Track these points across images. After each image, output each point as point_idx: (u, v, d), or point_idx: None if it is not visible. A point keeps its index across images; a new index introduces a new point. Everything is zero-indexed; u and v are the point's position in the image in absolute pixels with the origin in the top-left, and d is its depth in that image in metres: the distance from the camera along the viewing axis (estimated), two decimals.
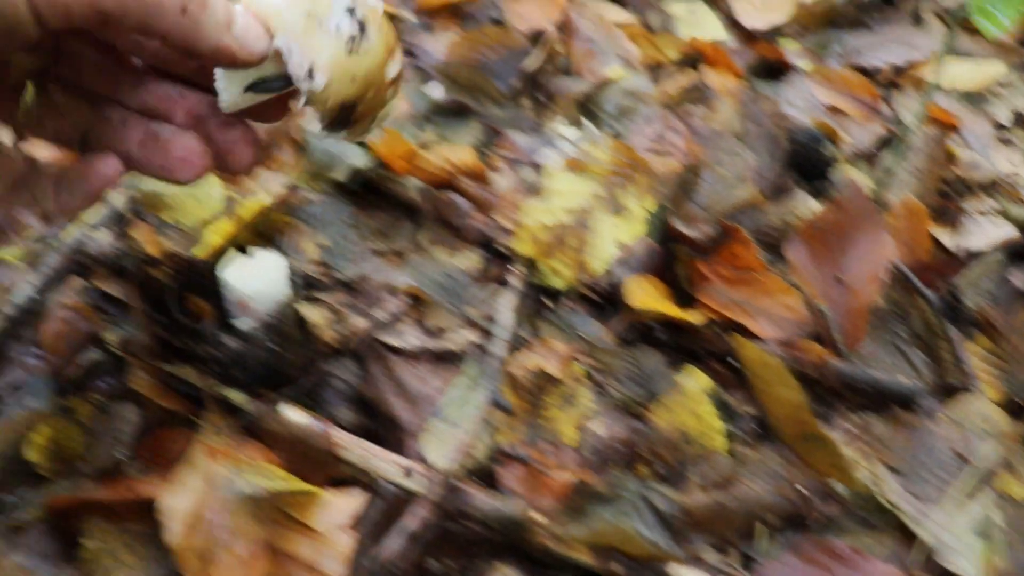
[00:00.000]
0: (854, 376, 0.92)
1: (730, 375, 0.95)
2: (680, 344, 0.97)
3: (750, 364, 0.89)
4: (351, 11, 0.50)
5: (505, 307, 0.95)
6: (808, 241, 0.96)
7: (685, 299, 1.00)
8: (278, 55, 0.49)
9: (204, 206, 1.10)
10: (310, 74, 0.49)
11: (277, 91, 0.52)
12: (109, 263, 0.99)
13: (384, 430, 0.93)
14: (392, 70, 0.52)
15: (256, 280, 0.96)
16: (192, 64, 0.55)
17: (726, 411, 0.91)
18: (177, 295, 0.96)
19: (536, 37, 1.30)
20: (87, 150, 0.54)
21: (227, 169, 0.56)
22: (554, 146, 1.09)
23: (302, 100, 0.51)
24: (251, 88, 0.52)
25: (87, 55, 0.55)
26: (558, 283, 1.00)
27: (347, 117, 0.52)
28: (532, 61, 1.23)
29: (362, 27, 0.50)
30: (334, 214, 1.09)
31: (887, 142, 1.16)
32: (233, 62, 0.48)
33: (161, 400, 0.92)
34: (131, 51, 0.55)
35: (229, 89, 0.52)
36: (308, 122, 1.12)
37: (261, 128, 0.57)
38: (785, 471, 0.86)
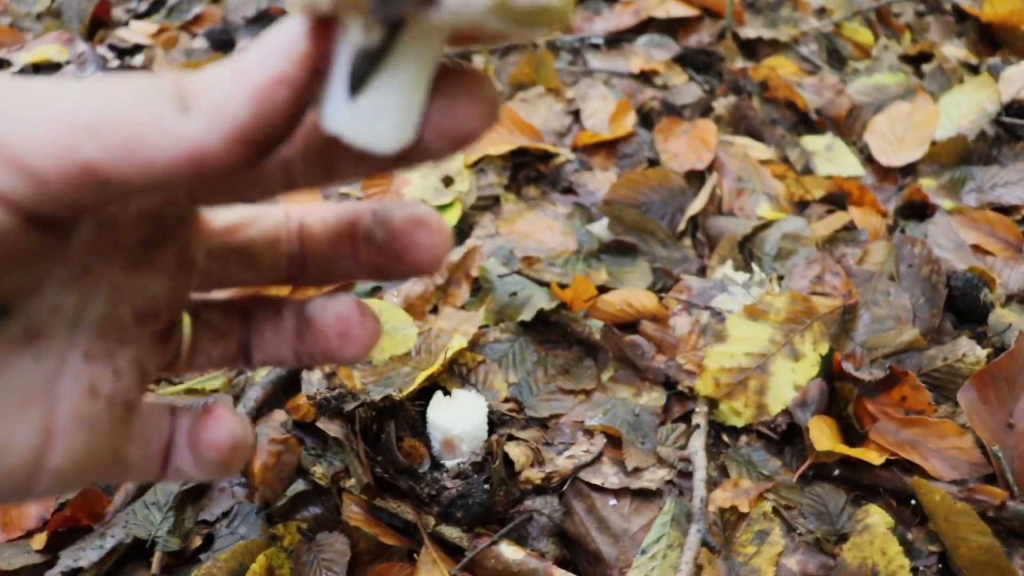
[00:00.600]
0: None
1: (908, 513, 1.01)
2: (857, 481, 1.04)
3: (934, 506, 0.96)
4: None
5: (699, 448, 1.03)
6: (979, 387, 1.03)
7: (854, 436, 1.07)
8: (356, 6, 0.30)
9: (398, 343, 1.20)
10: None
11: (398, 49, 0.31)
12: (319, 401, 1.07)
13: (587, 564, 1.00)
14: None
15: (461, 420, 1.04)
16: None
17: (909, 549, 0.97)
18: (395, 436, 1.05)
19: (690, 176, 1.40)
20: (250, 362, 0.49)
21: (412, 267, 0.44)
22: (728, 291, 1.18)
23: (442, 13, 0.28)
24: (356, 81, 0.32)
25: (223, 265, 0.48)
26: (737, 422, 1.08)
27: None
28: (696, 204, 1.32)
29: None
30: (520, 353, 1.18)
31: None
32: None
33: (376, 534, 1.00)
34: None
35: (340, 114, 0.33)
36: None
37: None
38: None
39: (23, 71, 1.80)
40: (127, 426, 0.42)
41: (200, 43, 1.84)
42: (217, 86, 0.33)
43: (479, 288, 1.27)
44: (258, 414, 1.11)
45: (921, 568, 0.97)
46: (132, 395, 0.42)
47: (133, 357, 0.42)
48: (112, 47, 1.86)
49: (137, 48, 1.85)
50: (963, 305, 1.17)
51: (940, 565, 0.97)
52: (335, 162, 0.39)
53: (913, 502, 1.01)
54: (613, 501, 1.02)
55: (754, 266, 1.23)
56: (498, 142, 1.43)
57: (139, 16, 1.97)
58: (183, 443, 0.45)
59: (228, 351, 0.48)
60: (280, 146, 0.35)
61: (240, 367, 0.50)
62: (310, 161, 0.40)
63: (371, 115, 0.32)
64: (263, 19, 1.84)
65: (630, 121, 1.48)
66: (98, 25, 1.94)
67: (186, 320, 0.47)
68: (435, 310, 1.26)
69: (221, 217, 0.46)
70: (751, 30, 1.69)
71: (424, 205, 0.44)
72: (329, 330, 0.46)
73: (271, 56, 0.33)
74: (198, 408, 0.46)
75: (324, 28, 0.33)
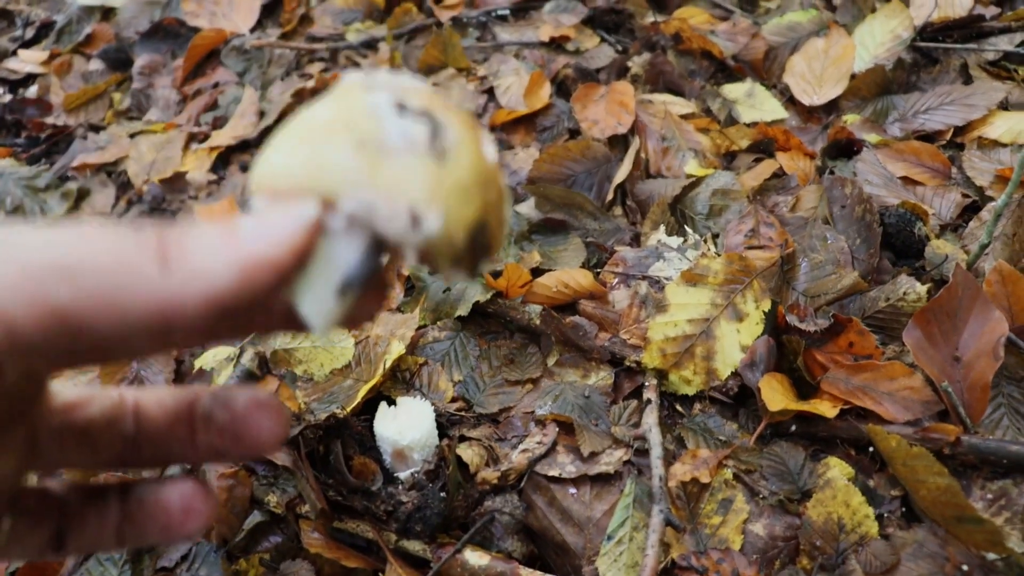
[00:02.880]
0: (988, 449, 0.97)
1: (867, 460, 1.01)
2: (814, 435, 1.03)
3: (891, 452, 0.95)
4: (401, 108, 0.37)
5: (652, 424, 1.01)
6: (923, 325, 1.02)
7: (806, 388, 1.06)
8: (353, 223, 0.36)
9: (336, 356, 1.16)
10: (414, 220, 0.36)
11: (377, 271, 0.37)
12: None
13: (554, 557, 0.99)
14: (490, 150, 0.39)
15: (409, 429, 1.01)
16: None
17: (872, 497, 0.97)
18: (343, 455, 1.02)
19: (613, 141, 1.37)
20: (63, 550, 0.46)
21: (251, 449, 0.45)
22: (663, 258, 1.15)
23: (411, 257, 0.37)
24: (344, 289, 0.37)
25: (60, 446, 0.45)
26: (689, 391, 1.06)
27: (483, 242, 0.39)
28: (622, 171, 1.30)
29: (430, 119, 0.37)
30: (462, 349, 1.15)
31: (968, 209, 1.22)
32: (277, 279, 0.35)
33: (339, 558, 0.97)
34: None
35: (316, 307, 0.37)
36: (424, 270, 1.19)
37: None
38: (943, 550, 0.91)
39: None
40: None
41: (96, 65, 1.76)
42: (207, 250, 0.33)
43: (412, 287, 1.24)
44: None
45: (885, 515, 0.96)
46: None
47: None
48: (2, 80, 1.78)
49: (30, 78, 1.77)
50: (899, 242, 1.16)
51: (903, 508, 0.97)
52: (260, 321, 0.41)
53: (871, 449, 1.00)
54: (573, 490, 1.00)
55: (687, 228, 1.21)
56: None
57: (26, 44, 1.89)
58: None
59: (42, 539, 0.45)
60: (256, 313, 0.37)
61: (48, 556, 0.47)
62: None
63: (332, 307, 0.37)
64: (158, 32, 1.77)
65: (546, 92, 1.45)
66: None
67: (6, 520, 0.44)
68: None
69: (61, 395, 0.44)
70: None
71: (263, 389, 0.47)
72: (172, 507, 0.45)
73: (271, 240, 0.34)
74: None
75: (321, 226, 0.35)
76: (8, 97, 1.69)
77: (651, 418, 1.02)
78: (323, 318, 0.37)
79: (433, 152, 0.37)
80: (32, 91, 1.72)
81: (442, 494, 0.97)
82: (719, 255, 1.12)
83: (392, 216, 0.35)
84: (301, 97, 1.52)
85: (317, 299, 0.37)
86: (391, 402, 1.05)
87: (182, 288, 0.32)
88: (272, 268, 0.34)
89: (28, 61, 1.81)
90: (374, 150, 0.36)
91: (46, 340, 0.31)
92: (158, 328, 0.33)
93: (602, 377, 1.10)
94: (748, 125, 1.42)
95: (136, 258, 0.32)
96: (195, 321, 0.33)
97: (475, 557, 0.94)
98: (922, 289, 1.07)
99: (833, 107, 1.45)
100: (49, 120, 1.65)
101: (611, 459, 1.01)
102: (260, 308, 0.37)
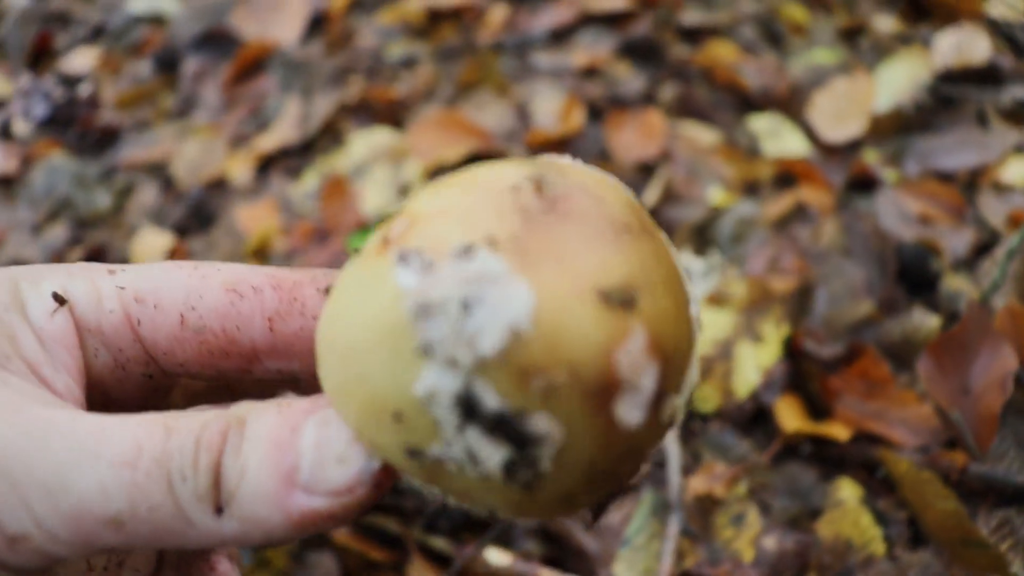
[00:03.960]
0: (994, 477, 1.02)
1: (877, 483, 1.05)
2: (826, 457, 1.08)
3: (901, 476, 1.00)
4: (467, 404, 0.30)
5: (671, 438, 1.06)
6: (935, 356, 1.07)
7: (820, 412, 1.11)
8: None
9: None
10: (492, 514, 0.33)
11: None
12: None
13: (572, 560, 1.03)
14: (633, 411, 0.32)
15: None
16: None
17: (880, 518, 1.01)
18: None
19: (642, 167, 1.43)
20: None
21: None
22: (689, 280, 1.21)
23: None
24: None
25: None
26: (706, 408, 1.11)
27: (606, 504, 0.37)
28: (651, 195, 1.35)
29: (514, 428, 0.30)
30: None
31: (981, 248, 1.27)
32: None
33: (364, 550, 1.02)
34: None
35: None
36: None
37: None
38: (947, 572, 0.96)
39: None
40: None
41: (146, 68, 1.83)
42: (256, 503, 0.32)
43: None
44: None
45: (894, 536, 1.01)
46: None
47: None
48: (57, 77, 1.85)
49: (82, 77, 1.84)
50: (913, 275, 1.21)
51: (910, 531, 1.02)
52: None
53: (881, 472, 1.05)
54: None
55: (712, 252, 1.26)
56: (451, 146, 1.44)
57: (82, 44, 1.96)
58: None
59: None
60: None
61: None
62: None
63: None
64: (207, 39, 1.83)
65: (579, 117, 1.50)
66: (41, 55, 1.93)
67: None
68: None
69: None
70: (689, 17, 1.72)
71: None
72: None
73: (322, 491, 0.32)
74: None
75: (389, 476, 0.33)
76: (61, 94, 1.75)
77: (670, 433, 1.06)
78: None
79: (514, 482, 0.31)
80: (84, 90, 1.78)
81: None
82: (741, 280, 1.17)
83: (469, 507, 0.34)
84: (344, 109, 1.58)
85: None
86: None
87: (238, 533, 0.32)
88: (332, 520, 0.33)
89: (81, 61, 1.87)
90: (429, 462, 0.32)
91: (84, 553, 0.33)
92: (217, 549, 0.34)
93: None
94: (772, 159, 1.47)
95: (189, 506, 0.32)
96: (249, 547, 0.34)
97: (497, 556, 0.98)
98: (935, 322, 1.12)
99: (853, 144, 1.51)
100: (99, 118, 1.72)
101: None
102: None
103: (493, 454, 0.30)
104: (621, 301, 0.31)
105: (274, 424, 0.33)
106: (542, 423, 0.29)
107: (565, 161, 0.36)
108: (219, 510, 0.32)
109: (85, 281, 0.40)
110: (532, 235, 0.31)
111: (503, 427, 0.29)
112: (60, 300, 0.38)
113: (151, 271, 0.40)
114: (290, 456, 0.32)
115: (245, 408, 0.34)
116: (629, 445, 0.32)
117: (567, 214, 0.32)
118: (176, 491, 0.31)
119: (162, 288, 0.40)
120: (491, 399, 0.29)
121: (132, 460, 0.31)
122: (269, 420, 0.33)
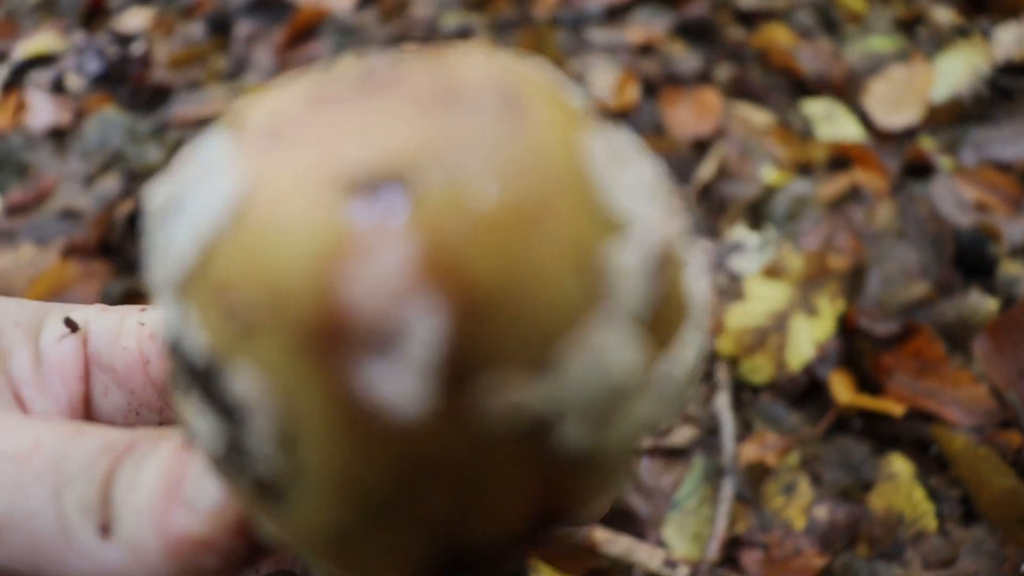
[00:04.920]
0: None
1: (928, 460, 1.05)
2: (878, 433, 1.07)
3: (956, 453, 0.99)
4: (175, 347, 0.22)
5: (724, 404, 1.06)
6: (994, 337, 1.06)
7: (871, 389, 1.10)
8: None
9: None
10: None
11: None
12: None
13: (620, 522, 1.03)
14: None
15: None
16: None
17: (932, 494, 1.01)
18: None
19: (696, 144, 1.42)
20: None
21: None
22: (742, 253, 1.20)
23: None
24: None
25: None
26: (758, 379, 1.11)
27: None
28: (707, 170, 1.35)
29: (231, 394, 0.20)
30: None
31: None
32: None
33: None
34: None
35: None
36: None
37: None
38: (1001, 550, 0.95)
39: (22, 65, 1.80)
40: None
41: (198, 29, 1.84)
42: (137, 520, 0.26)
43: None
44: None
45: (946, 512, 1.00)
46: None
47: None
48: (110, 35, 1.86)
49: (135, 36, 1.85)
50: (971, 259, 1.20)
51: (963, 508, 1.01)
52: None
53: (933, 450, 1.04)
54: (645, 460, 1.04)
55: (766, 227, 1.26)
56: None
57: (135, 4, 1.97)
58: None
59: None
60: None
61: None
62: None
63: None
64: (261, 3, 1.84)
65: (634, 92, 1.50)
66: (94, 13, 1.94)
67: None
68: None
69: None
70: (746, 0, 1.72)
71: None
72: None
73: (199, 508, 0.26)
74: None
75: None
76: (114, 51, 1.76)
77: (723, 399, 1.06)
78: None
79: (247, 482, 0.21)
80: (136, 48, 1.79)
81: None
82: (797, 254, 1.16)
83: None
84: None
85: None
86: None
87: (122, 567, 0.26)
88: (206, 549, 0.26)
89: (134, 21, 1.89)
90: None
91: None
92: None
93: None
94: (825, 141, 1.46)
95: (73, 521, 0.26)
96: None
97: None
98: (992, 305, 1.11)
99: (909, 132, 1.50)
100: (151, 76, 1.73)
101: (682, 434, 1.06)
102: None
103: (204, 425, 0.21)
104: (374, 187, 0.18)
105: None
106: (244, 382, 0.19)
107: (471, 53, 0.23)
108: (104, 530, 0.26)
109: (115, 318, 0.37)
110: (309, 120, 0.20)
111: (207, 386, 0.20)
112: (72, 326, 0.35)
113: None
114: (181, 466, 0.27)
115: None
116: (410, 456, 0.19)
117: (385, 89, 0.21)
118: (62, 498, 0.26)
119: None
120: (193, 340, 0.20)
121: (25, 455, 0.27)
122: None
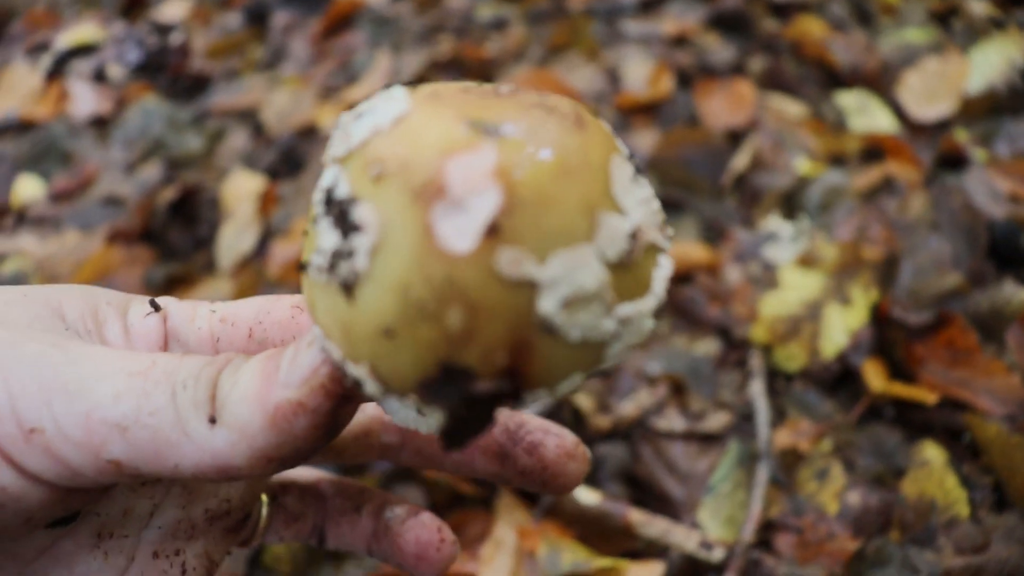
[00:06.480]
0: None
1: (960, 448, 1.06)
2: (910, 420, 1.08)
3: (989, 440, 1.00)
4: (328, 195, 0.33)
5: (759, 391, 1.07)
6: None
7: (904, 377, 1.11)
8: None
9: None
10: (356, 383, 0.33)
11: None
12: None
13: (656, 504, 1.05)
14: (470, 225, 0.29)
15: None
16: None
17: (964, 481, 1.01)
18: None
19: (730, 135, 1.43)
20: (323, 544, 0.51)
21: (553, 491, 0.47)
22: (776, 242, 1.21)
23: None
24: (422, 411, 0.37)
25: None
26: (791, 367, 1.12)
27: (475, 396, 0.31)
28: (741, 161, 1.36)
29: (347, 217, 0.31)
30: None
31: None
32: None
33: (452, 483, 1.03)
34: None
35: (407, 419, 0.38)
36: None
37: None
38: None
39: (64, 55, 1.84)
40: None
41: (235, 19, 1.87)
42: (241, 404, 0.33)
43: None
44: None
45: (978, 499, 1.01)
46: None
47: (201, 552, 0.44)
48: (149, 25, 1.89)
49: (174, 26, 1.88)
50: (1004, 251, 1.21)
51: (996, 495, 1.02)
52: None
53: (965, 438, 1.05)
54: (679, 444, 1.06)
55: (800, 217, 1.27)
56: None
57: None
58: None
59: (301, 533, 0.51)
60: (313, 455, 0.36)
61: (312, 544, 0.52)
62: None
63: (427, 421, 0.37)
64: None
65: (668, 82, 1.51)
66: (134, 4, 1.98)
67: (263, 510, 0.49)
68: None
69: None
70: None
71: (568, 432, 0.47)
72: (407, 549, 0.48)
73: (294, 382, 0.33)
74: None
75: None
76: (154, 41, 1.79)
77: (758, 386, 1.08)
78: (425, 426, 0.38)
79: (335, 277, 0.31)
80: (175, 38, 1.82)
81: None
82: (831, 244, 1.17)
83: (350, 370, 0.33)
84: (435, 66, 1.60)
85: (405, 416, 0.38)
86: None
87: (228, 445, 0.33)
88: (303, 412, 0.33)
89: (173, 11, 1.92)
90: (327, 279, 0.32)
91: (109, 480, 0.35)
92: (214, 476, 0.34)
93: (710, 347, 1.16)
94: (858, 133, 1.47)
95: (187, 414, 0.33)
96: (250, 472, 0.34)
97: (586, 495, 1.00)
98: None
99: (943, 123, 1.50)
100: (190, 65, 1.75)
101: (716, 420, 1.07)
102: (318, 450, 0.35)
103: (327, 240, 0.31)
104: (484, 128, 0.30)
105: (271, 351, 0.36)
106: (366, 210, 0.30)
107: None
108: (212, 420, 0.33)
109: (188, 305, 0.44)
110: (457, 96, 0.33)
111: (341, 214, 0.31)
112: (156, 306, 0.43)
113: (243, 301, 0.45)
114: (274, 361, 0.34)
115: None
116: (449, 278, 0.28)
117: (506, 98, 0.33)
118: (177, 398, 0.34)
119: (241, 309, 0.44)
120: (343, 187, 0.31)
121: (145, 370, 0.34)
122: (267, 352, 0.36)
